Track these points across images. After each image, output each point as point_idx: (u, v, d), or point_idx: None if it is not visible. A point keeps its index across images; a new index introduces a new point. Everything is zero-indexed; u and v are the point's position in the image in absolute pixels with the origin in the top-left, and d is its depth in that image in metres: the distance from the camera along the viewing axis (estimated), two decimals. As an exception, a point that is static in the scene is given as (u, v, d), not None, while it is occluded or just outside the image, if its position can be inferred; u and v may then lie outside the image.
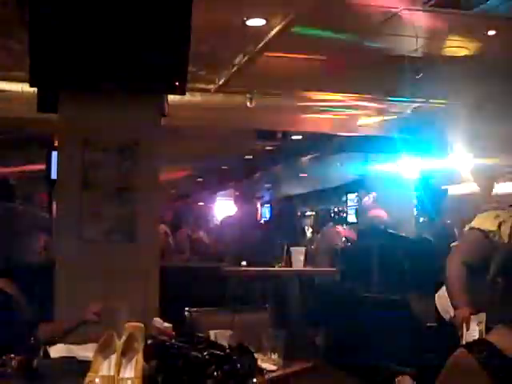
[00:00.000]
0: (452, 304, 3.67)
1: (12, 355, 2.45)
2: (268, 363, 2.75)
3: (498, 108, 6.76)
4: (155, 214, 4.22)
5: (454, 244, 4.16)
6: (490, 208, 3.93)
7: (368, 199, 8.84)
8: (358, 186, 11.43)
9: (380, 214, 7.39)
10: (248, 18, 4.78)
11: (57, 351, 2.70)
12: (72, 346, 2.76)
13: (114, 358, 2.39)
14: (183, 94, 4.02)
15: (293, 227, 6.80)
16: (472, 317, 3.38)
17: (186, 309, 3.50)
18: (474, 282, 3.59)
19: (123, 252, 4.00)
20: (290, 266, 5.87)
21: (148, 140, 4.14)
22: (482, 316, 3.22)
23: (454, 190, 8.18)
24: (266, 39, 5.07)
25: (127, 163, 4.08)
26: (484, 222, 3.78)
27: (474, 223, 3.81)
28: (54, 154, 5.75)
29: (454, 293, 3.70)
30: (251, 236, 6.47)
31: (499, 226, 3.70)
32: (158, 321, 2.80)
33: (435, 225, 7.06)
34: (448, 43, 5.56)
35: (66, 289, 3.86)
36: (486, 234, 3.70)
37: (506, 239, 3.60)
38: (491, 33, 5.13)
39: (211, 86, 6.57)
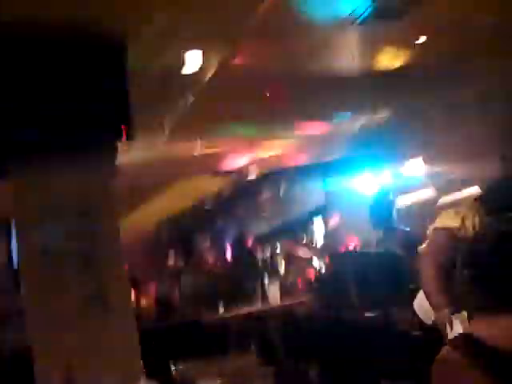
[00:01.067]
0: (432, 307, 3.69)
1: None
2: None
3: (441, 116, 6.92)
4: (125, 280, 4.14)
5: (421, 247, 4.20)
6: (447, 206, 4.01)
7: (334, 222, 8.89)
8: (321, 212, 11.49)
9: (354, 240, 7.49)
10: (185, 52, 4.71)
11: None
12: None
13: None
14: (132, 139, 3.99)
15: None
16: (454, 316, 3.40)
17: (172, 366, 3.45)
18: (449, 280, 3.61)
19: (99, 322, 3.90)
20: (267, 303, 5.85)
21: (105, 202, 4.07)
22: (464, 314, 3.24)
23: (412, 198, 8.27)
24: (208, 77, 5.04)
25: (88, 229, 4.01)
26: (446, 220, 3.84)
27: (437, 223, 3.87)
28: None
29: (432, 295, 3.72)
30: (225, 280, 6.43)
31: (462, 221, 3.76)
32: (145, 383, 2.76)
33: (394, 234, 7.14)
34: (383, 55, 5.63)
35: (42, 364, 3.73)
36: (450, 231, 3.75)
37: (470, 233, 3.66)
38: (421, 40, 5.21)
39: (160, 137, 6.54)
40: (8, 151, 3.88)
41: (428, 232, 4.09)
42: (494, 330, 1.88)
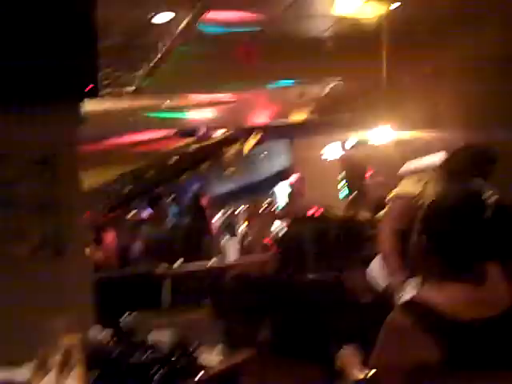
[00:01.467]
0: (388, 272, 3.73)
1: None
2: (210, 357, 2.75)
3: (409, 82, 6.95)
4: (82, 226, 4.14)
5: (380, 213, 4.24)
6: (409, 172, 4.03)
7: (295, 179, 8.93)
8: (286, 175, 11.52)
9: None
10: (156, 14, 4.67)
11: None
12: (6, 373, 2.68)
13: (53, 374, 2.35)
14: (95, 96, 3.95)
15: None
16: (408, 281, 3.45)
17: (125, 315, 3.45)
18: (406, 246, 3.66)
19: (53, 267, 3.91)
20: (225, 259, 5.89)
21: (67, 151, 4.05)
22: (417, 280, 3.29)
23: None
24: (177, 33, 4.99)
25: (47, 177, 3.98)
26: (407, 186, 3.86)
27: (398, 189, 3.89)
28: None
29: (388, 260, 3.77)
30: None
31: (424, 188, 3.79)
32: (95, 329, 2.76)
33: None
34: (354, 20, 5.61)
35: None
36: (409, 198, 3.78)
37: (431, 198, 3.70)
38: (395, 5, 5.19)
39: (128, 89, 6.48)
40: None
41: (389, 198, 4.12)
42: (442, 295, 1.93)
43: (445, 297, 1.92)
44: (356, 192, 8.27)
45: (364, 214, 6.94)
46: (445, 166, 3.90)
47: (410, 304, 1.97)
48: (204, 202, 7.06)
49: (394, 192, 3.97)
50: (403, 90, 7.09)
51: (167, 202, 6.72)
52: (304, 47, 5.94)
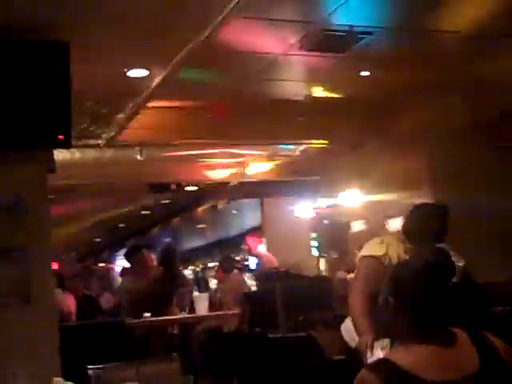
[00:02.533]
0: (356, 331, 3.75)
1: None
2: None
3: (377, 146, 7.10)
4: (49, 273, 4.08)
5: (350, 275, 4.28)
6: (373, 236, 4.13)
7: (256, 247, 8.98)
8: (256, 232, 11.54)
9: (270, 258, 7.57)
10: (130, 69, 4.76)
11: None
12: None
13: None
14: (68, 147, 3.97)
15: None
16: (376, 342, 3.46)
17: (89, 367, 3.37)
18: (375, 307, 3.68)
19: (19, 315, 3.83)
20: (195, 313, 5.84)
21: (36, 197, 4.02)
22: (386, 341, 3.29)
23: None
24: (150, 89, 5.07)
25: (15, 221, 3.93)
26: (370, 248, 3.94)
27: (362, 252, 3.97)
28: None
29: (357, 320, 3.78)
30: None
31: (387, 249, 3.87)
32: (58, 381, 2.70)
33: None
34: (325, 85, 5.76)
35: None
36: (376, 258, 3.85)
37: (395, 261, 3.76)
38: (364, 73, 5.35)
39: (100, 142, 6.50)
40: None
41: (355, 260, 4.19)
42: (408, 356, 1.95)
43: (411, 358, 1.94)
44: (338, 252, 8.32)
45: (341, 274, 6.96)
46: (403, 227, 4.01)
47: (379, 364, 1.99)
48: (176, 255, 7.01)
49: (360, 254, 4.04)
50: (373, 153, 7.24)
51: (145, 253, 6.61)
52: (277, 109, 6.05)
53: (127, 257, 7.17)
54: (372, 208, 7.55)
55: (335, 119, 6.48)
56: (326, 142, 7.53)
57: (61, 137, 3.89)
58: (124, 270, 8.76)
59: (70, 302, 6.82)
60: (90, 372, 3.38)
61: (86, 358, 3.41)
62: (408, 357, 1.94)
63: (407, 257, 3.82)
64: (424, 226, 3.86)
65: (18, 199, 3.94)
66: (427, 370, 1.91)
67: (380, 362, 2.01)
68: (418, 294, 2.01)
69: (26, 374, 2.60)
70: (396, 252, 3.83)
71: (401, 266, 2.23)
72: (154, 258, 6.72)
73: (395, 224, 6.16)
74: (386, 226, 6.66)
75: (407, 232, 3.88)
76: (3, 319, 3.80)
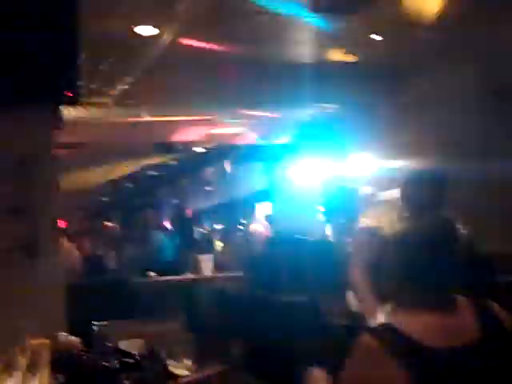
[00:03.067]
0: (357, 298, 3.78)
1: None
2: (180, 369, 2.71)
3: (389, 110, 7.03)
4: (56, 230, 4.09)
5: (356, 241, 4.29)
6: (374, 204, 4.15)
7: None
8: (264, 196, 11.52)
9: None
10: (138, 26, 4.70)
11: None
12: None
13: (19, 375, 2.31)
14: (75, 105, 3.94)
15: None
16: (379, 307, 3.48)
17: (94, 322, 3.40)
18: (377, 274, 3.72)
19: (26, 271, 3.86)
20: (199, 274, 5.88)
21: (42, 154, 4.01)
22: (388, 307, 3.31)
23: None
24: (159, 49, 5.03)
25: (23, 178, 3.93)
26: (368, 218, 3.96)
27: (360, 222, 3.99)
28: None
29: (357, 288, 3.82)
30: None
31: (384, 219, 3.89)
32: (63, 335, 2.72)
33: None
34: (337, 49, 5.70)
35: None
36: (372, 229, 3.86)
37: (388, 230, 3.78)
38: (376, 36, 5.27)
39: (108, 100, 6.47)
40: None
41: (354, 230, 4.22)
42: (411, 322, 1.95)
43: (414, 323, 1.94)
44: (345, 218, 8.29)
45: (348, 240, 6.95)
46: (401, 194, 4.00)
47: (380, 328, 1.99)
48: (188, 214, 7.04)
49: (359, 224, 4.07)
50: (384, 118, 7.18)
51: (151, 214, 6.63)
52: (287, 71, 6.00)
53: (129, 217, 7.22)
54: (381, 174, 7.50)
55: (346, 82, 6.42)
56: (337, 105, 7.48)
57: (69, 93, 3.86)
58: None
59: (76, 260, 6.86)
60: (94, 328, 3.41)
61: (91, 316, 3.43)
62: (410, 322, 1.95)
63: (403, 226, 3.85)
64: (422, 192, 3.86)
65: (26, 157, 3.93)
66: (429, 336, 1.91)
67: (381, 326, 2.01)
68: (422, 260, 2.02)
69: (31, 328, 2.61)
70: (392, 221, 3.84)
71: (407, 231, 2.20)
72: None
73: (395, 192, 6.14)
74: (387, 194, 6.64)
75: (405, 199, 3.87)
76: (10, 274, 3.83)
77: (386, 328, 1.96)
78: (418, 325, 1.94)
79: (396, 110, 6.93)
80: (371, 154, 7.74)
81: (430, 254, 2.03)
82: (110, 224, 10.24)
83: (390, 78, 6.25)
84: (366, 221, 4.04)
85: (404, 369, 1.85)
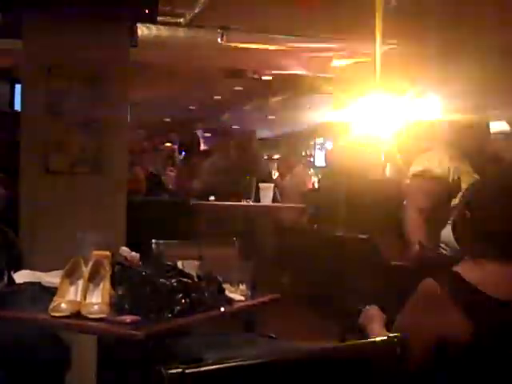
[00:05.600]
0: (410, 243, 3.80)
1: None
2: (236, 294, 2.75)
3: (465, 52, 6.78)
4: (123, 146, 4.15)
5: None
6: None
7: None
8: (327, 129, 11.42)
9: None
10: None
11: (22, 277, 2.66)
12: (37, 272, 2.72)
13: (80, 283, 2.37)
14: (154, 22, 3.93)
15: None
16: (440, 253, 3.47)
17: (153, 241, 3.45)
18: (430, 221, 3.74)
19: (89, 183, 3.94)
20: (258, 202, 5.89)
21: (117, 70, 4.03)
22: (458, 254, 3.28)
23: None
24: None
25: (94, 93, 3.97)
26: (421, 164, 3.92)
27: (415, 167, 3.94)
28: (18, 86, 5.58)
29: (411, 233, 3.84)
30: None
31: (438, 164, 3.85)
32: (125, 249, 2.77)
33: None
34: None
35: (30, 220, 3.80)
36: (426, 175, 3.83)
37: (447, 175, 3.75)
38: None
39: (181, 20, 6.39)
40: (23, 11, 3.81)
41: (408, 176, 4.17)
42: (480, 272, 1.92)
43: (480, 274, 1.92)
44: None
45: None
46: (453, 143, 3.94)
47: (448, 275, 1.96)
48: (253, 144, 7.03)
49: (412, 170, 4.01)
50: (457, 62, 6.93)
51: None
52: (362, 5, 5.79)
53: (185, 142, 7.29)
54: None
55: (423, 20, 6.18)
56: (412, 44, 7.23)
57: (147, 11, 3.84)
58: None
59: (139, 177, 6.95)
60: (153, 245, 3.47)
61: (150, 234, 3.48)
62: (477, 272, 1.92)
63: (453, 165, 3.81)
64: (479, 143, 3.83)
65: (100, 71, 3.96)
66: (495, 288, 1.88)
67: (448, 274, 1.98)
68: (497, 210, 1.97)
69: (94, 240, 2.67)
70: (448, 166, 3.80)
71: (480, 182, 2.17)
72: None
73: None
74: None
75: (468, 152, 3.83)
76: (75, 185, 3.93)
77: (452, 276, 1.93)
78: (485, 275, 1.91)
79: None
80: (440, 97, 7.53)
81: (508, 204, 1.98)
82: (170, 144, 10.33)
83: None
84: (419, 166, 3.99)
85: (467, 317, 1.84)
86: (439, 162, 3.86)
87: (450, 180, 3.79)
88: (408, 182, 4.07)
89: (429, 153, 4.04)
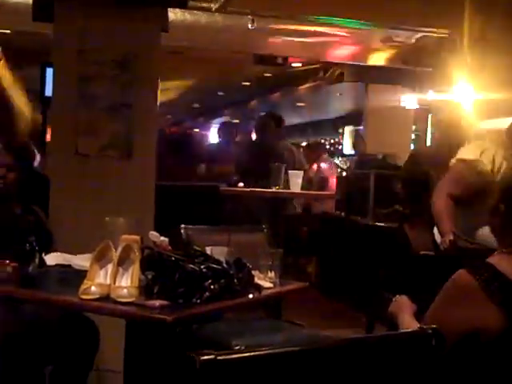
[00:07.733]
0: (439, 231, 3.75)
1: (7, 261, 2.42)
2: (264, 280, 2.73)
3: (501, 40, 6.65)
4: (153, 131, 4.15)
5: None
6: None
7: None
8: (356, 117, 11.34)
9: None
10: None
11: (52, 259, 2.68)
12: (68, 255, 2.74)
13: (110, 267, 2.38)
14: (184, 6, 3.91)
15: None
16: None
17: (182, 226, 3.46)
18: (462, 210, 3.69)
19: (119, 167, 3.95)
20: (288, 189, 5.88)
21: (147, 54, 4.03)
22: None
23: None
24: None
25: (125, 77, 3.97)
26: (467, 152, 3.85)
27: (458, 155, 3.87)
28: (49, 70, 5.60)
29: (440, 220, 3.79)
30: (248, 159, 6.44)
31: (482, 155, 3.79)
32: (154, 234, 2.76)
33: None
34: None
35: (60, 203, 3.82)
36: (469, 164, 3.77)
37: (489, 166, 3.68)
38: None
39: (212, 5, 6.37)
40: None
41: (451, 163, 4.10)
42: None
43: None
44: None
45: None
46: (507, 133, 3.85)
47: (481, 266, 1.94)
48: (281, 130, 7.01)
49: (456, 157, 3.94)
50: (494, 49, 6.79)
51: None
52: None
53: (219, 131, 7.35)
54: (483, 107, 7.19)
55: (460, 7, 6.09)
56: (446, 31, 7.12)
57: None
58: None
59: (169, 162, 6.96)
60: (182, 230, 3.47)
61: (178, 219, 3.49)
62: (510, 263, 1.89)
63: (505, 163, 3.73)
64: None
65: (130, 56, 3.96)
66: None
67: (481, 264, 1.96)
68: None
69: (121, 223, 2.67)
70: (493, 158, 3.73)
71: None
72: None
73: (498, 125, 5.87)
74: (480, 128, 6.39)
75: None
76: (104, 169, 3.94)
77: (485, 266, 1.91)
78: None
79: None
80: (474, 87, 7.41)
81: None
82: (196, 130, 10.34)
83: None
84: (461, 154, 3.92)
85: (501, 310, 1.81)
86: (484, 151, 3.79)
87: (489, 168, 3.72)
88: (452, 163, 3.98)
89: (476, 141, 3.97)
